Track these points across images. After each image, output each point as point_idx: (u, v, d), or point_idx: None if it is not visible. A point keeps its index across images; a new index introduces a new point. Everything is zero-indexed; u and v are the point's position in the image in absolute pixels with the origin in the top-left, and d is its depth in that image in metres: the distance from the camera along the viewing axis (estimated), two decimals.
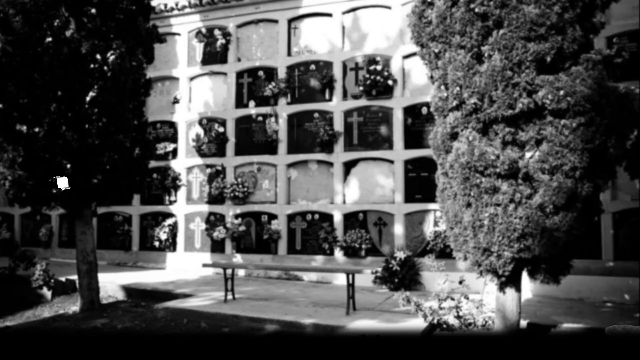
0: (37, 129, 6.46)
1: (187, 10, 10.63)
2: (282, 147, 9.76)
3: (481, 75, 4.82)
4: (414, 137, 8.90)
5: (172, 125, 10.80)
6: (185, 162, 10.58)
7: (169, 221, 10.49)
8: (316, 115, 9.60)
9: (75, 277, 7.73)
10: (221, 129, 10.16)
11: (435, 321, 5.62)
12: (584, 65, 4.77)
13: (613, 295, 7.26)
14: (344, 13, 9.59)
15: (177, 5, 10.64)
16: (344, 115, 9.38)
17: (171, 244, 10.46)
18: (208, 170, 10.36)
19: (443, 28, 5.10)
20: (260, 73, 10.12)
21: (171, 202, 10.64)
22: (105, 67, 6.61)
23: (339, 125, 9.36)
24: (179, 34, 10.88)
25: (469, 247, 5.02)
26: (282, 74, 9.87)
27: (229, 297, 7.18)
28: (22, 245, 11.23)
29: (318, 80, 9.62)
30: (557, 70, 4.81)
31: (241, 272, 9.56)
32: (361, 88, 9.16)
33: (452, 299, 5.65)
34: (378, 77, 8.95)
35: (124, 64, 6.65)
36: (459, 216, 5.07)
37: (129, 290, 8.19)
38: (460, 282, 5.75)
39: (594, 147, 4.70)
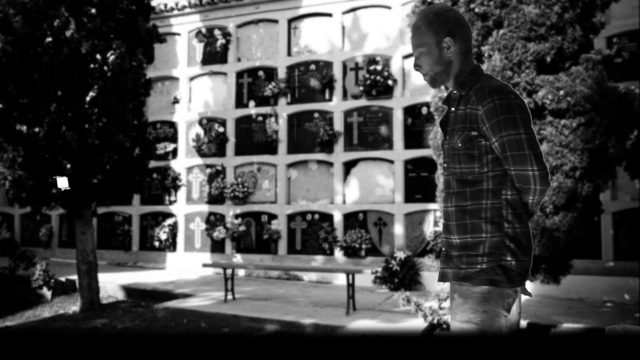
0: (37, 129, 6.45)
1: (187, 10, 10.63)
2: (282, 147, 9.76)
3: None
4: (414, 137, 8.90)
5: (172, 125, 10.80)
6: (185, 162, 10.58)
7: (169, 221, 10.49)
8: (316, 115, 9.59)
9: (75, 277, 7.73)
10: (221, 129, 10.16)
11: (435, 321, 5.62)
12: (584, 65, 4.77)
13: (613, 295, 7.26)
14: (344, 13, 9.59)
15: (177, 5, 10.64)
16: (344, 115, 9.38)
17: (171, 244, 10.46)
18: (208, 170, 10.36)
19: None
20: (260, 73, 10.12)
21: (171, 202, 10.64)
22: (105, 67, 6.60)
23: (339, 125, 9.36)
24: (179, 34, 10.88)
25: None
26: (282, 74, 9.87)
27: (229, 297, 7.18)
28: (22, 245, 11.22)
29: (318, 80, 9.62)
30: (557, 70, 4.81)
31: (241, 272, 9.56)
32: (361, 88, 9.16)
33: None
34: (378, 77, 8.95)
35: (124, 64, 6.65)
36: None
37: (129, 290, 8.19)
38: None
39: (594, 147, 4.70)
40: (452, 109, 1.96)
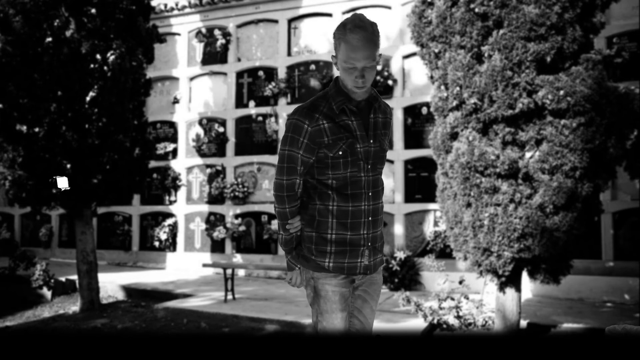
0: (37, 129, 6.45)
1: (187, 10, 10.63)
2: None
3: (481, 75, 4.82)
4: (414, 137, 8.89)
5: (172, 125, 10.80)
6: (185, 162, 10.57)
7: (169, 221, 10.49)
8: None
9: (75, 277, 7.73)
10: (221, 129, 10.16)
11: (435, 321, 5.62)
12: (584, 65, 4.77)
13: (613, 295, 7.26)
14: (344, 13, 9.58)
15: (177, 5, 10.64)
16: None
17: (171, 244, 10.46)
18: (208, 170, 10.36)
19: (443, 28, 5.10)
20: (260, 73, 10.12)
21: (171, 202, 10.64)
22: (105, 67, 6.60)
23: None
24: (179, 34, 10.88)
25: (469, 247, 5.03)
26: (282, 74, 9.87)
27: (229, 297, 7.19)
28: (22, 245, 11.22)
29: (318, 80, 9.61)
30: (557, 70, 4.81)
31: (241, 272, 9.56)
32: None
33: (452, 299, 5.66)
34: (378, 77, 8.94)
35: (124, 64, 6.65)
36: (459, 216, 5.08)
37: (129, 290, 8.19)
38: (460, 282, 5.75)
39: (594, 147, 4.71)
40: (372, 115, 2.14)
